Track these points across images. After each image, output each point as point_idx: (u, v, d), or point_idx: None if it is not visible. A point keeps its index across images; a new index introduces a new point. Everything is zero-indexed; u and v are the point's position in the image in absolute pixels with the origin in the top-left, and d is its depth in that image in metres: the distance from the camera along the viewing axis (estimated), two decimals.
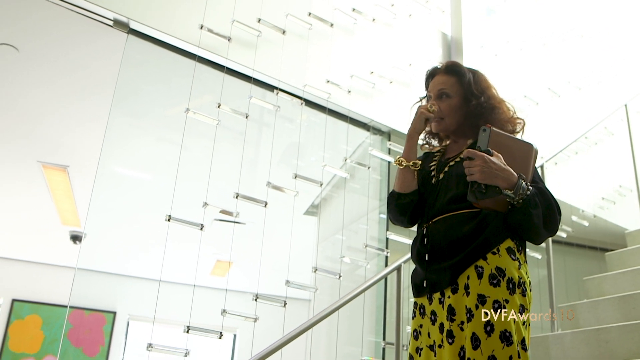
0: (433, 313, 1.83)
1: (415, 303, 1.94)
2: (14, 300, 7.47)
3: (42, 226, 6.60)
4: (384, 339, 3.87)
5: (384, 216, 4.20)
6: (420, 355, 1.85)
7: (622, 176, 5.48)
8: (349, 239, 4.01)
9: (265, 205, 3.25)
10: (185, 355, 2.76)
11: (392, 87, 4.18)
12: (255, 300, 3.06)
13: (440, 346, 1.77)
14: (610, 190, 5.26)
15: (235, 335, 8.32)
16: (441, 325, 1.79)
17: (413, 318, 1.93)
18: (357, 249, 3.93)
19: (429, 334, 1.84)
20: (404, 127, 4.16)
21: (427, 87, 2.11)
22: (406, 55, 4.35)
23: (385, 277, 3.56)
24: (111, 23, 3.18)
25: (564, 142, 4.83)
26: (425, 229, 1.91)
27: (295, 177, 3.45)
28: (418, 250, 1.92)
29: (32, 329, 7.47)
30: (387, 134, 4.22)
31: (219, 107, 3.22)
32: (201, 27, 3.31)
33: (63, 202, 5.76)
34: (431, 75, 2.09)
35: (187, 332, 2.76)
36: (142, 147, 4.67)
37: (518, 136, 1.99)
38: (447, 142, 2.14)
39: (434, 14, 4.69)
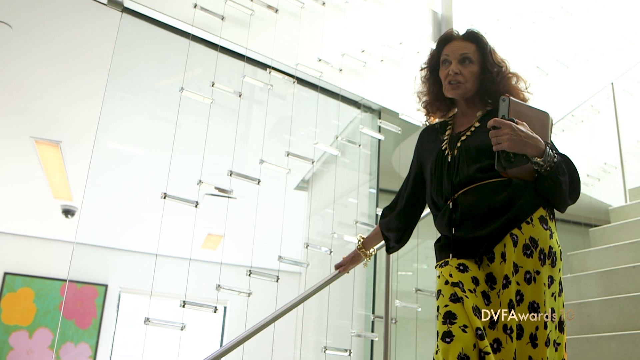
0: (462, 264, 1.79)
1: (446, 262, 1.86)
2: (6, 274, 7.52)
3: (34, 200, 6.62)
4: (373, 312, 3.96)
5: (374, 191, 4.26)
6: (468, 298, 1.72)
7: (607, 153, 5.57)
8: (340, 214, 4.07)
9: (258, 183, 3.31)
10: (182, 329, 2.83)
11: (382, 66, 4.23)
12: (249, 275, 3.13)
13: (471, 291, 1.73)
14: (595, 168, 5.35)
15: (225, 308, 8.41)
16: (475, 279, 1.76)
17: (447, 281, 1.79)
18: (347, 224, 3.99)
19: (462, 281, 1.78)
20: (394, 105, 4.22)
21: (438, 52, 2.07)
22: (397, 33, 4.38)
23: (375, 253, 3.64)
24: (105, 1, 3.20)
25: (552, 120, 4.89)
26: (453, 200, 1.88)
27: (288, 155, 3.51)
28: (449, 220, 1.88)
29: (25, 302, 7.53)
30: (378, 112, 4.27)
31: (212, 85, 3.26)
32: (195, 6, 3.33)
33: (55, 177, 5.79)
34: (446, 40, 2.05)
35: (183, 306, 2.83)
36: (136, 124, 4.69)
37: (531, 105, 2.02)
38: (452, 114, 2.13)
39: None
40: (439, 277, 1.85)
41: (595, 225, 4.77)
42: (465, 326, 1.66)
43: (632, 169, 5.57)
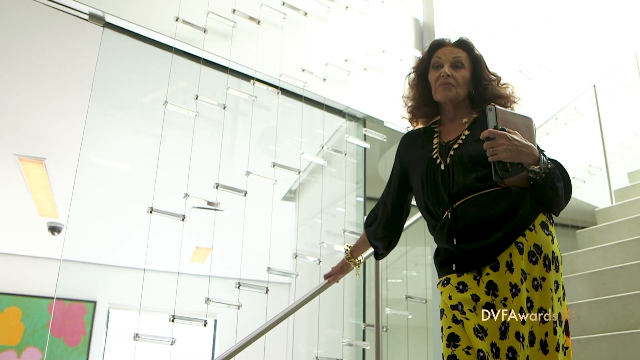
0: (462, 283, 1.78)
1: (447, 280, 1.86)
2: None
3: (19, 218, 6.57)
4: (363, 320, 3.95)
5: (361, 199, 4.27)
6: (468, 319, 1.75)
7: (591, 155, 5.61)
8: (327, 224, 4.07)
9: (245, 195, 3.30)
10: (172, 344, 2.81)
11: (366, 74, 4.24)
12: (238, 287, 3.11)
13: (471, 310, 1.73)
14: (581, 170, 5.38)
15: (216, 321, 8.38)
16: (475, 296, 1.74)
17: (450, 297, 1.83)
18: (335, 234, 3.99)
19: (454, 298, 1.80)
20: (379, 113, 4.23)
21: (429, 56, 2.09)
22: (379, 42, 4.40)
23: (364, 260, 3.64)
24: (86, 17, 3.18)
25: (535, 124, 4.93)
26: (451, 212, 1.86)
27: (274, 166, 3.50)
28: (450, 231, 1.85)
29: (12, 321, 7.45)
30: (363, 120, 4.28)
31: (196, 98, 3.25)
32: (177, 19, 3.33)
33: (40, 194, 5.75)
34: (439, 45, 2.08)
35: (173, 321, 2.81)
36: (121, 140, 4.68)
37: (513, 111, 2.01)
38: (436, 120, 2.13)
39: None
40: (441, 293, 1.86)
41: (582, 227, 4.80)
42: (468, 347, 1.71)
43: (617, 170, 5.62)
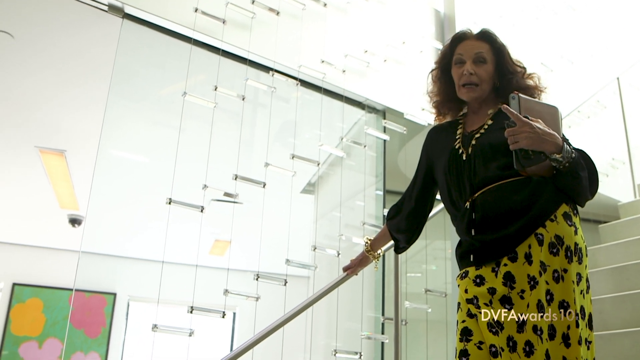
0: (479, 277, 1.75)
1: (465, 273, 1.83)
2: (14, 284, 7.53)
3: (40, 210, 6.63)
4: (382, 314, 3.93)
5: (380, 192, 4.24)
6: (482, 314, 1.73)
7: (614, 149, 5.53)
8: (346, 216, 4.05)
9: (263, 186, 3.29)
10: (190, 335, 2.81)
11: (386, 66, 4.21)
12: (257, 279, 3.11)
13: (487, 304, 1.70)
14: (604, 163, 5.31)
15: (234, 314, 8.41)
16: (491, 289, 1.71)
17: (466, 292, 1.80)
18: (354, 226, 3.97)
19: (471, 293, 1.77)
20: (399, 105, 4.20)
21: (451, 51, 2.05)
22: (399, 33, 4.36)
23: (383, 254, 3.61)
24: (106, 8, 3.19)
25: (561, 113, 4.86)
26: (471, 202, 1.84)
27: (293, 158, 3.48)
28: (469, 222, 1.83)
29: (34, 312, 7.54)
30: (382, 112, 4.25)
31: (215, 89, 3.25)
32: (196, 10, 3.32)
33: (61, 186, 5.79)
34: (460, 38, 2.03)
35: (191, 312, 2.81)
36: (140, 131, 4.69)
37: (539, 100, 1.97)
38: (463, 112, 2.10)
39: None
40: (459, 287, 1.84)
41: (605, 222, 4.74)
42: (480, 342, 1.70)
43: None
